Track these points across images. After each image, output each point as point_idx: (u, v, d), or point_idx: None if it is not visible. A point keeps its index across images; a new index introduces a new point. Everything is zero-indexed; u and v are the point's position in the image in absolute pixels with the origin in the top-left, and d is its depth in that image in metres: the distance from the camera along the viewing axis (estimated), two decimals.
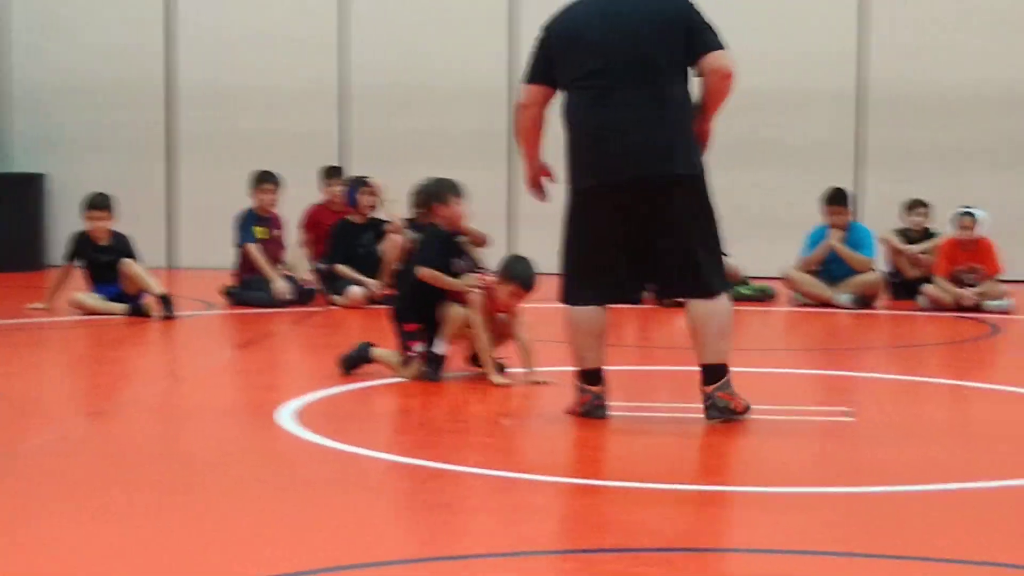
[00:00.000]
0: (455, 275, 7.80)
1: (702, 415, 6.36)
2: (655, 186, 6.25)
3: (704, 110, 6.33)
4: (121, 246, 11.26)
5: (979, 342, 10.10)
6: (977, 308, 11.64)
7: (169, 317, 10.72)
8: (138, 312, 10.84)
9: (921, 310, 11.83)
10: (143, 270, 11.16)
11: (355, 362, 7.90)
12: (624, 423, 6.42)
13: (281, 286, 11.84)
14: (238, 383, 8.25)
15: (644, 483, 5.27)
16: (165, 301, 10.80)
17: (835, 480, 5.45)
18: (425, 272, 7.80)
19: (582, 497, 5.18)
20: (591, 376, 6.44)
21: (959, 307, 11.70)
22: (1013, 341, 10.39)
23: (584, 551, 4.43)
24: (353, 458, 5.70)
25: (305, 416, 6.49)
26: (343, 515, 4.76)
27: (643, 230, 6.28)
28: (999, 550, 4.39)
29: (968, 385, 7.95)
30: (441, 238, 7.94)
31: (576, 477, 5.50)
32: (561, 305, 6.47)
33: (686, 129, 6.29)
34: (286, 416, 6.49)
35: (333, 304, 11.92)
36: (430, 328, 7.75)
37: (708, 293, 6.34)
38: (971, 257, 12.04)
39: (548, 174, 6.63)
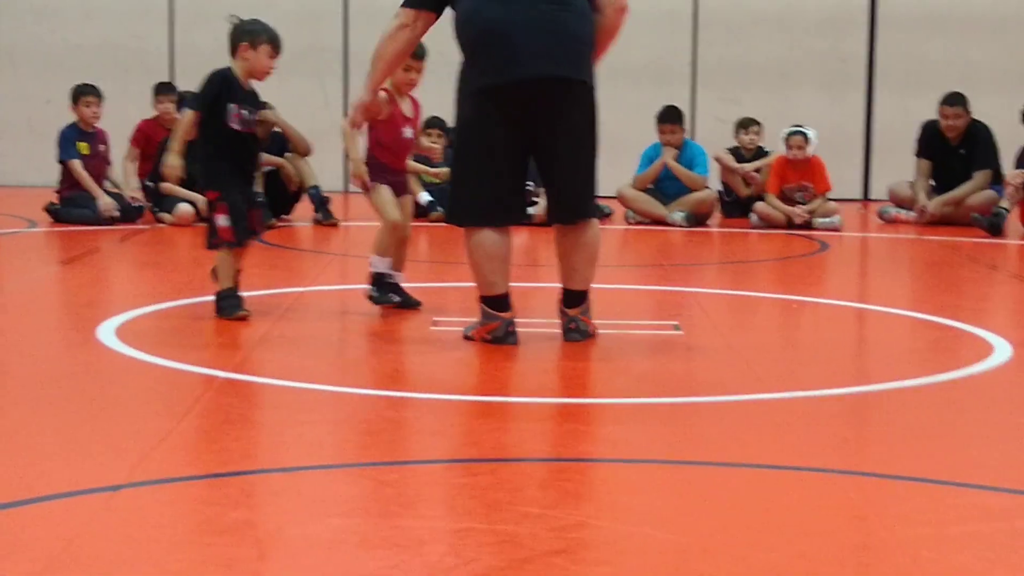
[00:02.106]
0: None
1: (557, 332, 6.34)
2: (558, 89, 6.03)
3: (598, 46, 6.17)
4: None
5: (808, 258, 10.20)
6: (808, 226, 11.77)
7: None
8: None
9: (753, 228, 11.94)
10: None
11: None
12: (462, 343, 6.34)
13: (107, 203, 11.53)
14: (59, 300, 8.02)
15: (468, 396, 5.23)
16: None
17: (662, 392, 5.44)
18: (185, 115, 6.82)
19: (407, 409, 5.08)
20: (499, 302, 6.23)
21: (790, 224, 11.83)
22: (841, 257, 10.52)
23: (407, 463, 4.35)
24: (170, 373, 5.54)
25: (127, 333, 6.31)
26: (148, 431, 4.60)
27: (539, 137, 6.09)
28: (813, 455, 4.41)
29: (795, 299, 8.01)
30: (222, 77, 6.75)
31: (402, 391, 5.39)
32: (460, 228, 6.26)
33: (590, 38, 6.12)
34: (107, 333, 6.30)
35: (161, 222, 11.67)
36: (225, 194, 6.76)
37: (586, 213, 6.25)
38: (802, 176, 12.15)
39: (378, 110, 6.53)
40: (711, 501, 3.91)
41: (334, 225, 11.97)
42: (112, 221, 11.45)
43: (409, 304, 7.05)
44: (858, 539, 3.57)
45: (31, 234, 11.05)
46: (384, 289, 7.01)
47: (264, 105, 7.04)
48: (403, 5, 6.19)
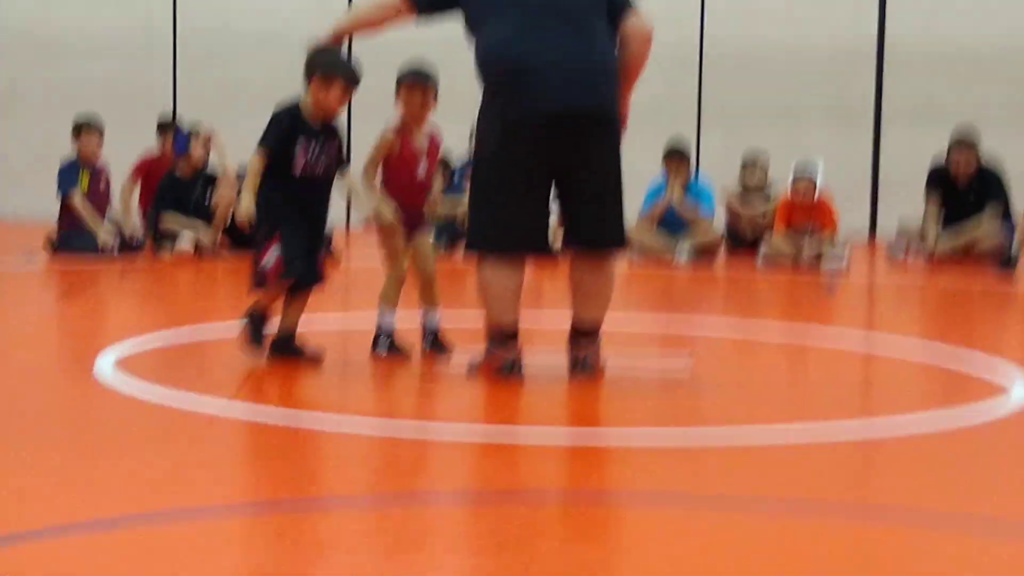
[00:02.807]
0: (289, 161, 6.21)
1: (563, 367, 6.20)
2: (586, 123, 5.96)
3: (625, 79, 6.08)
4: None
5: (816, 304, 10.07)
6: (815, 264, 11.65)
7: None
8: None
9: (758, 268, 11.81)
10: None
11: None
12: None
13: (106, 237, 11.43)
14: (57, 334, 7.89)
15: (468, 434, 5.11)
16: None
17: (672, 434, 5.30)
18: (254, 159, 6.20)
19: (412, 447, 4.94)
20: (509, 335, 6.10)
21: (796, 261, 11.72)
22: (847, 300, 10.39)
23: (390, 495, 4.22)
24: (165, 411, 5.39)
25: (126, 366, 6.17)
26: (144, 469, 4.47)
27: (564, 169, 5.99)
28: (825, 494, 4.27)
29: (801, 343, 7.87)
30: (290, 115, 6.25)
31: (407, 428, 5.25)
32: (473, 259, 6.13)
33: (614, 70, 6.03)
34: (105, 367, 6.16)
35: (161, 256, 11.57)
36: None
37: (616, 244, 6.16)
38: (809, 216, 12.05)
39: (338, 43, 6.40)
40: (722, 546, 3.76)
41: (336, 260, 11.85)
42: (112, 253, 11.34)
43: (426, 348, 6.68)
44: None
45: (30, 268, 10.93)
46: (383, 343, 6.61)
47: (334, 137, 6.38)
48: None
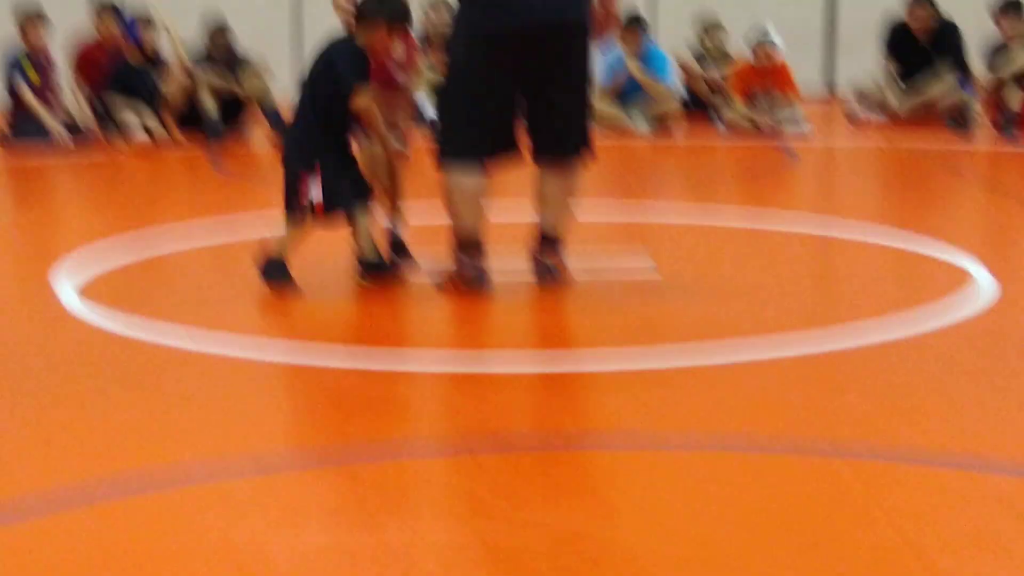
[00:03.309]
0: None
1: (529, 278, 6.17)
2: (558, 35, 5.91)
3: None
4: None
5: (780, 173, 10.03)
6: (775, 132, 11.57)
7: None
8: None
9: (719, 135, 11.74)
10: None
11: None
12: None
13: (58, 130, 11.23)
14: (19, 243, 7.77)
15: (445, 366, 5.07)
16: None
17: (643, 350, 5.27)
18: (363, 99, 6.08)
19: (381, 382, 4.89)
20: (476, 245, 6.05)
21: (758, 127, 11.64)
22: (812, 172, 10.34)
23: (385, 457, 4.18)
24: (128, 343, 5.32)
25: (90, 291, 6.09)
26: (103, 418, 4.41)
27: (533, 81, 5.95)
28: (802, 428, 4.27)
29: (769, 229, 7.83)
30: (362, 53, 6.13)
31: (374, 356, 5.20)
32: (442, 170, 6.04)
33: None
34: (71, 290, 6.08)
35: (113, 144, 11.39)
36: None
37: (582, 149, 6.11)
38: (768, 82, 11.93)
39: None
40: (708, 496, 3.75)
41: None
42: (66, 144, 11.16)
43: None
44: (868, 541, 3.40)
45: None
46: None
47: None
48: None
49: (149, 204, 9.26)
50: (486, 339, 5.66)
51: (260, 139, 11.74)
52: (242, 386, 4.81)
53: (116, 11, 12.31)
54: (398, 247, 6.55)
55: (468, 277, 6.05)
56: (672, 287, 6.23)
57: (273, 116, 11.78)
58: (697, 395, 4.67)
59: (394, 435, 4.36)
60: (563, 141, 6.11)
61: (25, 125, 11.33)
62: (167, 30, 11.79)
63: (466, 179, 6.00)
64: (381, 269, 6.21)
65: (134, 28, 11.82)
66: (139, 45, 11.74)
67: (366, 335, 5.71)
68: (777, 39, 11.92)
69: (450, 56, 6.14)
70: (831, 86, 15.30)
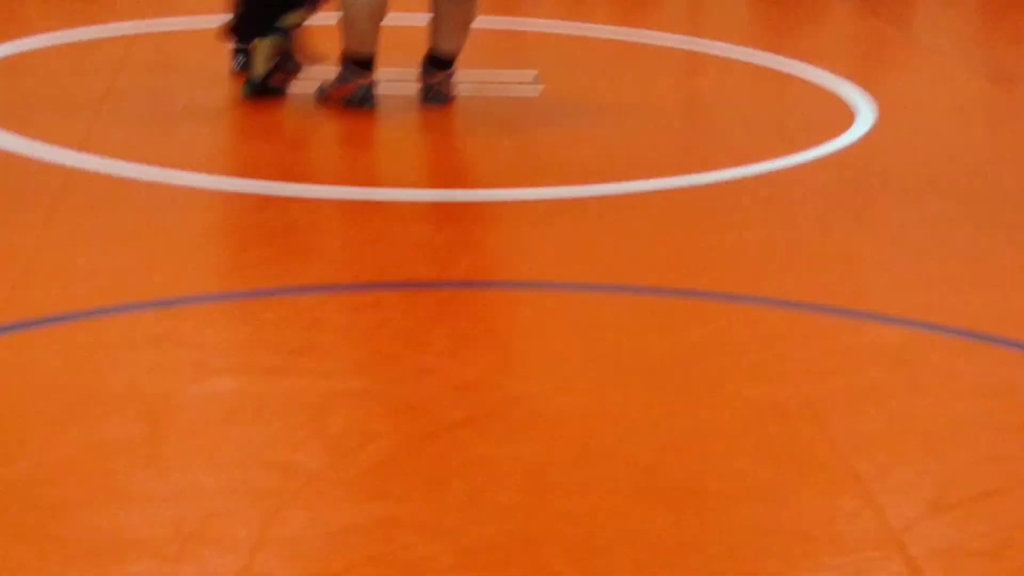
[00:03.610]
0: None
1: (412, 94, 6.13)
2: None
3: None
4: None
5: None
6: None
7: None
8: None
9: None
10: None
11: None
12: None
13: None
14: None
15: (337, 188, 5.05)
16: None
17: (528, 178, 5.30)
18: None
19: (272, 209, 4.84)
20: (366, 62, 5.93)
21: None
22: None
23: (286, 291, 4.19)
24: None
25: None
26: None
27: None
28: (696, 271, 4.37)
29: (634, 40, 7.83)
30: None
31: (261, 181, 5.14)
32: None
33: None
34: None
35: None
36: None
37: None
38: None
39: None
40: (603, 341, 3.84)
41: None
42: None
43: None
44: (772, 402, 3.49)
45: None
46: None
47: None
48: None
49: None
50: (376, 164, 5.64)
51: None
52: (135, 212, 4.76)
53: None
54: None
55: (354, 94, 5.98)
56: (555, 105, 6.23)
57: None
58: (585, 228, 4.73)
59: (293, 268, 4.36)
60: None
61: None
62: None
63: None
64: (267, 92, 6.11)
65: None
66: None
67: (255, 159, 5.58)
68: None
69: None
70: None
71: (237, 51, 6.28)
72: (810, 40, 8.18)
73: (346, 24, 5.94)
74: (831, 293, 4.20)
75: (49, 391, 3.37)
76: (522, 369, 3.69)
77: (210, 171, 5.18)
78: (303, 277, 4.26)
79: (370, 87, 5.99)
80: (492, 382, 3.57)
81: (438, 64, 6.12)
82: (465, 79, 6.28)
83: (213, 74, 6.39)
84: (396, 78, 6.26)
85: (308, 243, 4.61)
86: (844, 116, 6.04)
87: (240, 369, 3.60)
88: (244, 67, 6.20)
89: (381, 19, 5.93)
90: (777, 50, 7.37)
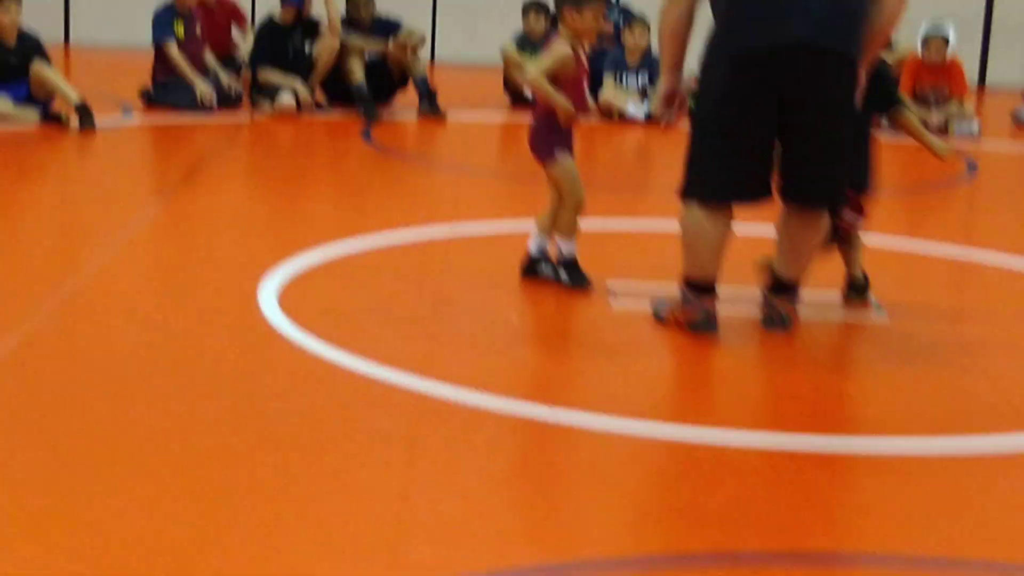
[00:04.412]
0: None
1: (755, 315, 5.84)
2: (826, 61, 5.35)
3: (871, 39, 5.45)
4: (30, 47, 10.24)
5: (957, 187, 9.55)
6: (944, 131, 11.08)
7: (88, 128, 9.83)
8: (51, 119, 9.99)
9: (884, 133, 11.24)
10: (57, 75, 10.23)
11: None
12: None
13: (204, 91, 10.93)
14: (198, 240, 7.34)
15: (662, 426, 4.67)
16: (84, 112, 9.88)
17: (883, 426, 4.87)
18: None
19: (586, 447, 4.50)
20: (705, 287, 5.64)
21: (926, 127, 11.14)
22: (997, 183, 9.83)
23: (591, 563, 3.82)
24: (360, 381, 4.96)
25: (289, 302, 5.75)
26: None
27: (793, 114, 5.40)
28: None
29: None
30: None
31: (574, 411, 4.81)
32: (684, 205, 5.61)
33: (865, 13, 5.43)
34: (268, 299, 5.76)
35: (259, 111, 11.08)
36: None
37: (836, 202, 5.68)
38: (938, 78, 11.43)
39: (683, 99, 5.81)
40: None
41: (441, 119, 11.35)
42: (210, 109, 10.87)
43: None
44: None
45: (131, 128, 10.47)
46: (575, 274, 6.18)
47: None
48: None
49: (311, 181, 8.96)
50: (719, 399, 5.24)
51: (409, 111, 11.40)
52: (508, 452, 4.42)
53: None
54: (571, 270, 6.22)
55: (695, 319, 5.65)
56: (902, 335, 5.82)
57: (423, 89, 11.43)
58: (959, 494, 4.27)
59: (593, 530, 3.97)
60: (816, 186, 5.60)
61: (171, 88, 11.03)
62: None
63: (710, 222, 5.55)
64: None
65: None
66: (298, 6, 11.34)
67: (562, 389, 5.21)
68: (951, 33, 11.40)
69: (701, 82, 5.57)
70: (983, 77, 14.75)
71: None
72: None
73: (686, 248, 5.65)
74: None
75: None
76: None
77: (565, 404, 4.84)
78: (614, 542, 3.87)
79: (711, 311, 5.67)
80: None
81: (782, 287, 5.79)
82: (807, 300, 5.92)
83: (531, 288, 6.19)
84: (737, 297, 5.94)
85: (625, 494, 4.20)
86: None
87: None
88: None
89: (724, 246, 5.64)
90: None
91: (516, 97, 12.11)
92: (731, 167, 5.52)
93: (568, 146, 6.19)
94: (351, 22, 11.51)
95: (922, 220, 8.55)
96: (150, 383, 4.81)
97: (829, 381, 5.32)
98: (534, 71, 6.12)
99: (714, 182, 5.56)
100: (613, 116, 11.58)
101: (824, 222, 5.71)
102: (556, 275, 6.22)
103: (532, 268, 6.28)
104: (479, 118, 11.75)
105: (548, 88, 6.04)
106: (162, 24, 11.12)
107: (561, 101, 6.03)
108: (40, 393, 4.68)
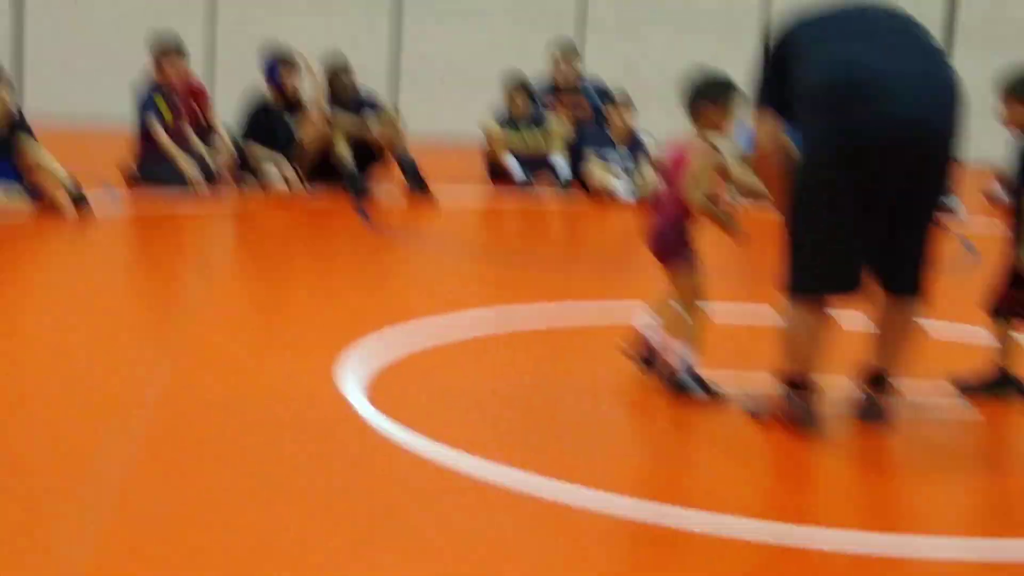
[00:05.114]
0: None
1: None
2: (933, 144, 5.29)
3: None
4: (14, 123, 9.92)
5: (958, 273, 9.57)
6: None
7: (85, 213, 9.54)
8: (43, 203, 9.67)
9: None
10: (47, 155, 9.90)
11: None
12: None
13: (195, 177, 10.72)
14: (259, 335, 6.87)
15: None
16: (80, 199, 9.58)
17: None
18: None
19: (676, 548, 4.31)
20: (806, 383, 5.53)
21: None
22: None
23: None
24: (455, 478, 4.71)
25: (377, 394, 5.54)
26: None
27: (899, 201, 5.34)
28: None
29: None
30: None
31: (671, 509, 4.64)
32: (784, 295, 5.50)
33: (964, 95, 5.38)
34: (353, 392, 5.54)
35: (248, 193, 10.92)
36: None
37: (922, 290, 5.60)
38: None
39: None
40: None
41: (431, 197, 11.24)
42: (200, 190, 10.67)
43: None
44: None
45: (127, 218, 10.17)
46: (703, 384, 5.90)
47: None
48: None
49: (336, 267, 8.76)
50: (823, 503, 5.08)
51: (395, 192, 11.28)
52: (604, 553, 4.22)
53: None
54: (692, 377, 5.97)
55: (796, 416, 5.53)
56: (995, 433, 5.76)
57: (409, 167, 11.32)
58: None
59: None
60: (915, 274, 5.56)
61: (156, 167, 10.80)
62: (311, 71, 11.28)
63: (811, 317, 5.46)
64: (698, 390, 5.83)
65: (275, 72, 11.31)
66: (280, 89, 11.21)
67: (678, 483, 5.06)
68: None
69: (799, 176, 5.47)
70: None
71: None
72: None
73: (786, 346, 5.54)
74: None
75: None
76: None
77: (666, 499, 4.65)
78: None
79: (813, 410, 5.57)
80: None
81: (879, 380, 5.71)
82: (903, 393, 5.82)
83: (607, 383, 6.04)
84: (837, 389, 5.83)
85: None
86: None
87: None
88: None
89: (824, 341, 5.54)
90: None
91: (495, 173, 12.08)
92: (840, 261, 5.43)
93: (694, 248, 5.96)
94: (335, 100, 11.40)
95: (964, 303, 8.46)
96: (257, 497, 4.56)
97: (927, 480, 5.22)
98: (699, 196, 5.82)
99: (823, 276, 5.45)
100: (603, 196, 11.54)
101: (920, 313, 5.65)
102: (685, 387, 5.88)
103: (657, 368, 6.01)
104: (463, 194, 11.65)
105: (718, 213, 5.84)
106: (146, 102, 10.90)
107: (734, 225, 5.86)
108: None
